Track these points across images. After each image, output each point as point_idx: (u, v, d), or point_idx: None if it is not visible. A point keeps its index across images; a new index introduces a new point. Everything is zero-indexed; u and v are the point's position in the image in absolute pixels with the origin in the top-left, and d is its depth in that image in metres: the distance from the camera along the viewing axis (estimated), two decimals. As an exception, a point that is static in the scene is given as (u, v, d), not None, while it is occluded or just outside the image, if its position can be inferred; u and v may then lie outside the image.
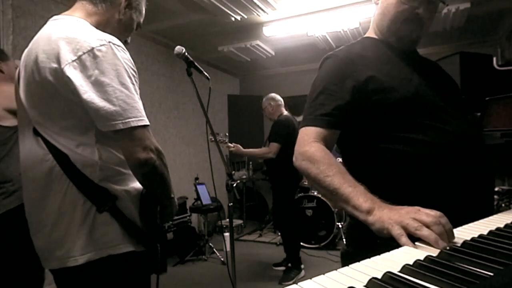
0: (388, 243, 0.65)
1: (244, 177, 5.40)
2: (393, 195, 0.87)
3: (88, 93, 0.84)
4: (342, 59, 1.00)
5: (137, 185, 0.98)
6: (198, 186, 3.96)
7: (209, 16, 3.58)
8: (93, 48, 0.86)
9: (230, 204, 1.78)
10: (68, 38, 0.87)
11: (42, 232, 0.93)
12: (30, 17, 2.84)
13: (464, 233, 0.67)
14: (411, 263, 0.51)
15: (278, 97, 3.53)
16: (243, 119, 5.80)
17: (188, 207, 4.22)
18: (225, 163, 1.77)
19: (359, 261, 0.54)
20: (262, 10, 3.43)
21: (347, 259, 0.56)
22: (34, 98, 0.93)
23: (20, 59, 1.01)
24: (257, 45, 4.44)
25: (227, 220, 3.56)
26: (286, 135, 3.20)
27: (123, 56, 0.91)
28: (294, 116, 3.56)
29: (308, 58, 5.18)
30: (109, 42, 0.89)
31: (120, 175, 0.95)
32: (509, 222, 0.73)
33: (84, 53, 0.85)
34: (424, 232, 0.62)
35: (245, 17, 3.55)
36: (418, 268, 0.50)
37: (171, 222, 3.84)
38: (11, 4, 2.69)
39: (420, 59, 1.08)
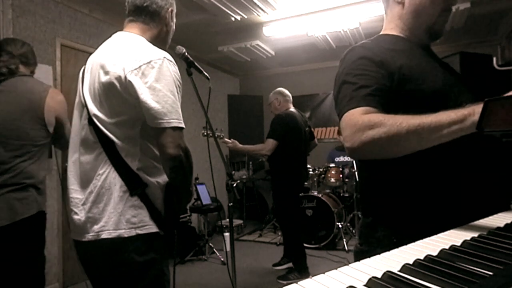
0: (404, 242, 0.63)
1: (244, 177, 5.40)
2: (412, 188, 0.88)
3: (144, 94, 1.04)
4: (371, 48, 0.97)
5: (164, 178, 1.16)
6: (198, 186, 3.96)
7: (209, 16, 3.58)
8: (151, 61, 1.06)
9: (230, 204, 1.78)
10: (132, 51, 1.10)
11: (82, 208, 1.10)
12: (30, 17, 2.84)
13: (464, 233, 0.67)
14: (411, 262, 0.52)
15: (287, 92, 3.43)
16: (243, 119, 5.80)
17: (188, 207, 4.22)
18: (225, 163, 1.77)
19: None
20: (262, 10, 3.43)
21: (361, 257, 0.56)
22: (96, 96, 1.11)
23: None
24: (257, 45, 4.44)
25: (227, 220, 3.56)
26: (285, 131, 3.06)
27: (173, 69, 1.11)
28: (301, 112, 3.45)
29: (308, 58, 5.18)
30: (164, 57, 1.09)
31: (153, 168, 1.14)
32: (509, 222, 0.73)
33: (143, 64, 1.06)
34: None
35: (245, 17, 3.55)
36: (418, 267, 0.50)
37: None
38: (11, 4, 2.69)
39: (436, 56, 1.08)
